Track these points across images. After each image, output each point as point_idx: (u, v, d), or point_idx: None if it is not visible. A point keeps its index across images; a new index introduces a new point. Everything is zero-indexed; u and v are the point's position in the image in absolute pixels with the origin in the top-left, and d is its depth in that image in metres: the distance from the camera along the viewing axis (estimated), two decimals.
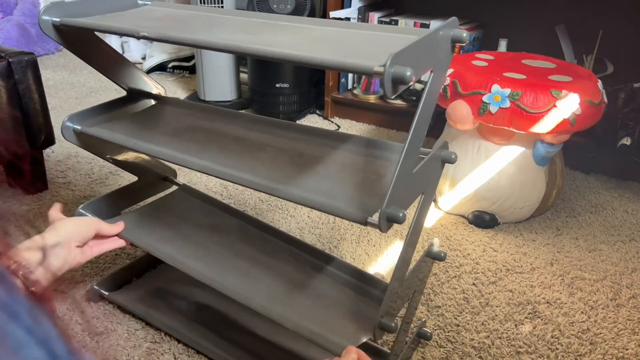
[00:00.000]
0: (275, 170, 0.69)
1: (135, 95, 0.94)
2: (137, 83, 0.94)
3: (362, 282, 0.79)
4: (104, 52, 0.88)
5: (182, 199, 1.00)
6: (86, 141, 0.87)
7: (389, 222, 0.56)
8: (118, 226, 0.83)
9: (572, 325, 0.94)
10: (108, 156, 0.93)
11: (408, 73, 0.47)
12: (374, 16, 1.81)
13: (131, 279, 1.00)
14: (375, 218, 0.57)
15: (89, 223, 0.78)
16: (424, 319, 0.91)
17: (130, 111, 0.92)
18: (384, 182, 0.66)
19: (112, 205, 0.94)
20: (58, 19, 0.74)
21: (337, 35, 0.66)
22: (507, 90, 1.09)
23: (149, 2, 0.87)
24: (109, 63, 0.89)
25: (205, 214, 0.95)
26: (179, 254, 0.83)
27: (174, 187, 1.05)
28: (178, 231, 0.90)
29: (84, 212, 0.89)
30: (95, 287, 0.94)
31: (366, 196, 0.62)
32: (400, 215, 0.55)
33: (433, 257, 0.78)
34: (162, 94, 0.95)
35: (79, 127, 0.84)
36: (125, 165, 0.97)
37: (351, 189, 0.64)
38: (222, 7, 1.86)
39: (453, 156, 0.67)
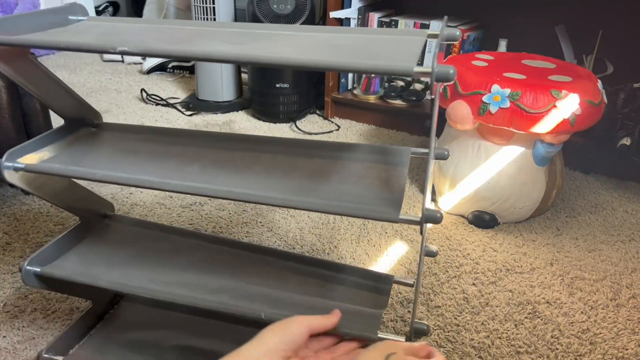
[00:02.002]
0: (279, 185, 0.66)
1: (74, 123, 0.83)
2: (74, 109, 0.83)
3: (347, 274, 0.79)
4: (37, 74, 0.74)
5: (121, 229, 0.91)
6: (30, 180, 0.75)
7: (427, 222, 0.57)
8: (334, 316, 0.62)
9: (572, 325, 0.94)
10: (47, 195, 0.80)
11: (452, 71, 0.48)
12: (374, 16, 1.81)
13: (85, 333, 0.88)
14: (405, 215, 0.58)
15: (297, 326, 0.59)
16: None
17: (74, 141, 0.81)
18: (389, 185, 0.66)
19: (59, 252, 0.83)
20: None
21: (339, 40, 0.64)
22: (507, 91, 1.09)
23: (84, 18, 0.76)
24: (45, 87, 0.76)
25: (154, 239, 0.88)
26: (151, 283, 0.75)
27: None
28: (135, 261, 0.81)
29: (31, 268, 0.77)
30: (44, 355, 0.82)
31: (383, 200, 0.62)
32: (438, 215, 0.57)
33: (427, 254, 0.79)
34: (100, 119, 0.86)
35: (22, 165, 0.70)
36: (67, 206, 0.85)
37: (364, 194, 0.64)
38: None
39: (446, 152, 0.67)
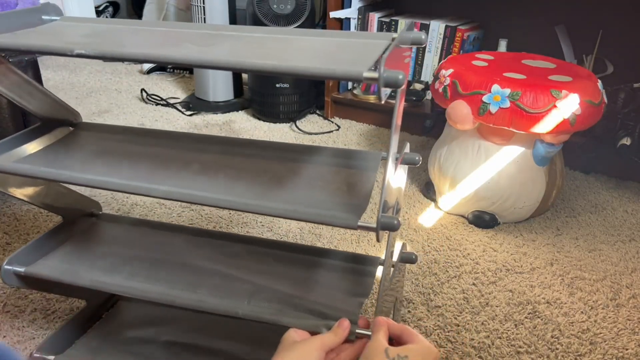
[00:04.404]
0: (245, 189, 0.65)
1: (50, 123, 0.82)
2: (49, 109, 0.81)
3: (341, 260, 0.79)
4: (7, 75, 0.73)
5: (106, 227, 0.90)
6: (1, 181, 0.75)
7: (383, 230, 0.56)
8: (342, 327, 0.62)
9: (572, 325, 0.94)
10: (23, 195, 0.80)
11: (400, 77, 0.48)
12: (374, 16, 1.81)
13: (80, 333, 0.87)
14: (364, 222, 0.57)
15: (316, 353, 0.58)
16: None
17: (48, 142, 0.80)
18: (356, 191, 0.65)
19: (41, 251, 0.82)
20: None
21: (305, 43, 0.64)
22: (507, 90, 1.09)
23: (57, 18, 0.75)
24: (16, 87, 0.75)
25: (140, 236, 0.87)
26: (131, 281, 0.75)
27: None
28: (119, 259, 0.81)
29: (10, 267, 0.77)
30: (35, 354, 0.81)
31: (347, 206, 0.62)
32: (395, 222, 0.56)
33: (405, 261, 0.78)
34: (78, 118, 0.85)
35: None
36: (45, 205, 0.84)
37: (328, 199, 0.63)
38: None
39: (417, 158, 0.67)
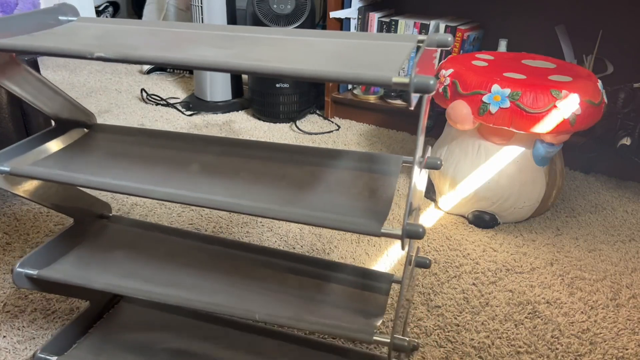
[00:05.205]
0: (264, 193, 0.65)
1: (65, 125, 0.82)
2: (65, 111, 0.81)
3: (358, 277, 0.79)
4: (24, 76, 0.73)
5: (117, 230, 0.90)
6: (15, 183, 0.75)
7: (409, 238, 0.56)
8: None
9: (572, 325, 0.94)
10: (34, 197, 0.79)
11: (432, 82, 0.46)
12: (374, 16, 1.81)
13: (82, 333, 0.88)
14: (388, 229, 0.56)
15: None
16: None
17: (63, 144, 0.80)
18: (378, 196, 0.65)
19: (53, 254, 0.82)
20: None
21: (326, 45, 0.62)
22: (507, 90, 1.09)
23: (74, 19, 0.75)
24: (33, 89, 0.75)
25: (152, 240, 0.87)
26: (147, 284, 0.75)
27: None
28: (133, 263, 0.81)
29: (22, 270, 0.77)
30: (39, 354, 0.81)
31: (368, 212, 0.61)
32: (420, 230, 0.55)
33: (419, 266, 0.78)
34: (93, 120, 0.85)
35: (7, 168, 0.69)
36: (57, 206, 0.85)
37: (349, 205, 0.63)
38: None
39: (439, 162, 0.66)
